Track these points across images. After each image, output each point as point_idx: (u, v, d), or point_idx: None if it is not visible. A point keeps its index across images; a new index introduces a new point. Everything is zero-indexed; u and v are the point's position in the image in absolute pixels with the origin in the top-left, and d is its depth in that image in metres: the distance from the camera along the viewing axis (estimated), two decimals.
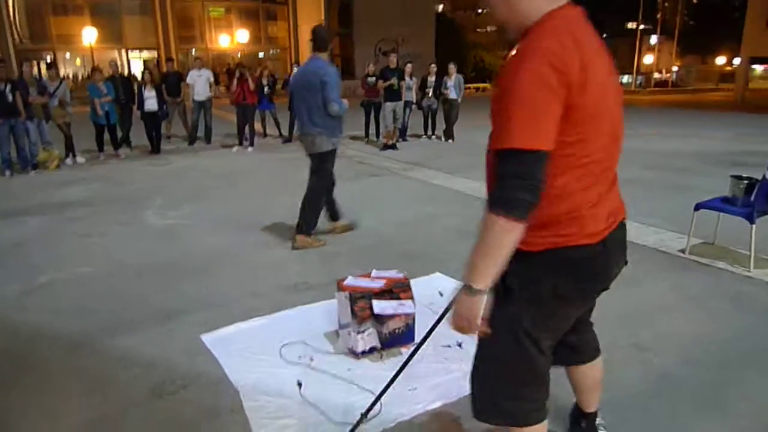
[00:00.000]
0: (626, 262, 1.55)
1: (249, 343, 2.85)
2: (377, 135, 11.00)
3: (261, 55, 31.16)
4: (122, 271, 3.96)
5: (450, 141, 10.90)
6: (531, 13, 1.34)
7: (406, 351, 2.72)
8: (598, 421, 1.97)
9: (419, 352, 2.68)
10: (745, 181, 3.76)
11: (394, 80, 9.51)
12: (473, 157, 9.08)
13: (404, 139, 10.78)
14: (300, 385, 2.44)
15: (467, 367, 1.95)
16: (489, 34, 75.92)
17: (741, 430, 2.15)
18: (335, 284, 3.57)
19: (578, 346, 1.78)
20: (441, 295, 3.40)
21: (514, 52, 1.33)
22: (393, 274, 2.87)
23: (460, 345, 2.79)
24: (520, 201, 1.24)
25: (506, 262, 1.32)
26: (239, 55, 27.83)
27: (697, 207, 4.01)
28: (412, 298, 2.74)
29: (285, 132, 11.03)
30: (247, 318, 3.14)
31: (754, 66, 34.00)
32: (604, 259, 1.45)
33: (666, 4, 65.54)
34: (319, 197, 4.54)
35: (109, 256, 4.31)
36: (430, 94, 10.78)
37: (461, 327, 1.42)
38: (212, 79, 10.76)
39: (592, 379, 1.86)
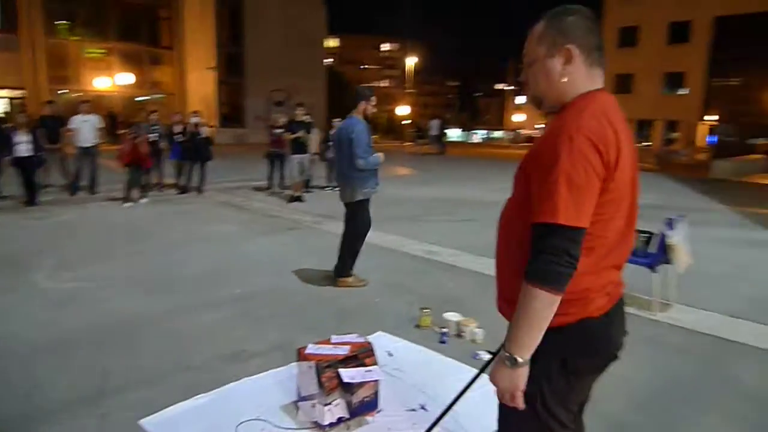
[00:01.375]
0: (626, 332, 1.65)
1: (198, 425, 2.58)
2: (282, 187, 10.86)
3: (142, 99, 29.68)
4: (16, 349, 3.41)
5: None
6: (570, 92, 1.44)
7: (371, 419, 2.64)
8: None
9: (388, 420, 2.63)
10: (646, 235, 4.26)
11: (301, 133, 9.53)
12: (380, 209, 9.31)
13: (308, 191, 10.76)
14: None
15: (439, 429, 1.93)
16: (374, 89, 79.65)
17: None
18: (278, 350, 3.43)
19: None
20: (390, 355, 3.37)
21: (549, 127, 1.41)
22: (353, 338, 2.80)
23: (423, 407, 2.77)
24: (563, 275, 1.30)
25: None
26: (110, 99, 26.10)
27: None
28: (376, 363, 2.69)
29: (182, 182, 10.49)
30: (188, 396, 2.84)
31: None
32: (608, 331, 1.52)
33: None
34: (356, 241, 4.79)
35: None
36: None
37: (508, 400, 1.42)
38: (99, 125, 9.98)
39: None
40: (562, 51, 1.44)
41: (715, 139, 29.94)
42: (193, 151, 10.02)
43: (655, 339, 3.78)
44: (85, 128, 9.60)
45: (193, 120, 10.10)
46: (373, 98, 4.61)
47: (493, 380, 1.43)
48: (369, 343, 2.76)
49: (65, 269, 5.15)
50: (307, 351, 2.63)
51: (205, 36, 28.63)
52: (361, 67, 79.85)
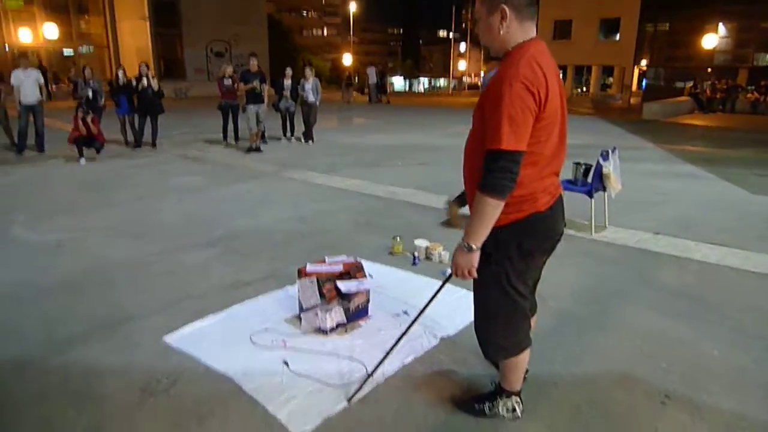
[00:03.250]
0: (565, 224, 2.15)
1: (216, 337, 2.98)
2: (236, 138, 10.92)
3: (70, 53, 27.84)
4: (21, 293, 3.64)
5: (310, 142, 11.27)
6: (509, 42, 1.87)
7: (364, 323, 3.12)
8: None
9: (377, 323, 3.13)
10: (584, 166, 4.87)
11: (256, 83, 9.57)
12: (339, 156, 9.70)
13: (264, 142, 10.87)
14: (286, 363, 2.70)
15: (420, 326, 2.40)
16: (315, 38, 77.31)
17: (619, 338, 3.00)
18: (271, 278, 3.84)
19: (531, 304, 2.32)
20: (371, 276, 3.83)
21: (497, 72, 1.84)
22: (344, 258, 3.24)
23: (406, 312, 3.28)
24: (505, 186, 1.78)
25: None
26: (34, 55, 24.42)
27: None
28: (365, 276, 3.15)
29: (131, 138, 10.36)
30: (198, 318, 3.22)
31: None
32: (551, 221, 2.01)
33: (471, 16, 73.33)
34: None
35: None
36: (289, 97, 11.04)
37: (462, 275, 1.93)
38: (42, 80, 9.61)
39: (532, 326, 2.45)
40: (498, 10, 1.82)
41: (645, 81, 31.51)
42: (147, 104, 9.86)
43: (592, 253, 4.45)
44: (28, 84, 9.24)
45: (143, 71, 9.87)
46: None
47: (455, 261, 1.94)
48: (359, 262, 3.21)
49: (41, 223, 5.26)
50: (308, 269, 3.05)
51: None
52: (303, 13, 76.96)
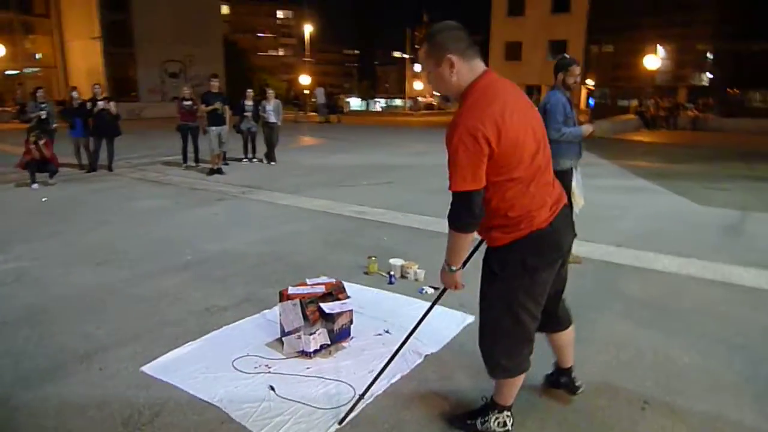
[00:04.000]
0: (575, 235, 2.21)
1: (196, 365, 2.90)
2: (196, 160, 10.73)
3: (14, 73, 26.75)
4: None
5: (273, 163, 11.20)
6: (462, 84, 1.96)
7: (347, 344, 3.12)
8: (573, 375, 2.57)
9: (360, 343, 3.13)
10: None
11: (218, 104, 9.47)
12: (303, 177, 9.67)
13: (226, 163, 10.72)
14: (273, 388, 2.66)
15: (403, 346, 2.48)
16: (271, 58, 77.24)
17: (596, 349, 3.10)
18: (246, 302, 3.79)
19: (559, 317, 2.40)
20: (349, 297, 3.83)
21: (454, 116, 1.93)
22: (325, 279, 3.24)
23: (388, 331, 3.29)
24: (464, 222, 1.94)
25: (476, 251, 2.13)
26: None
27: None
28: (348, 297, 3.15)
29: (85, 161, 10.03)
30: (176, 345, 3.13)
31: None
32: (555, 236, 2.06)
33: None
34: None
35: None
36: (250, 118, 10.97)
37: (453, 289, 2.16)
38: None
39: (567, 339, 2.49)
40: (445, 60, 1.92)
41: (593, 102, 32.96)
42: (103, 126, 9.59)
43: None
44: None
45: (96, 91, 9.61)
46: (574, 67, 4.44)
47: (442, 280, 2.16)
48: (340, 282, 3.21)
49: None
50: (290, 292, 3.03)
51: (85, 1, 26.16)
52: (258, 35, 76.77)
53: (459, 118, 1.88)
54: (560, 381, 2.58)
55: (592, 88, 33.58)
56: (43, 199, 7.52)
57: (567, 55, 4.81)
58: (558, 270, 2.16)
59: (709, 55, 28.85)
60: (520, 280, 2.04)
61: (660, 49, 29.09)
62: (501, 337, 2.12)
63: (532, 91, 40.56)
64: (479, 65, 1.97)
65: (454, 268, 2.07)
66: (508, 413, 2.28)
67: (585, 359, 3.00)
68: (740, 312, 3.72)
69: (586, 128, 4.64)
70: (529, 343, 2.17)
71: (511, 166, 1.91)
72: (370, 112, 54.39)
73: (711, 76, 28.86)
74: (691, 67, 29.71)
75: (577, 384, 2.54)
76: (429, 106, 56.68)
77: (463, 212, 1.90)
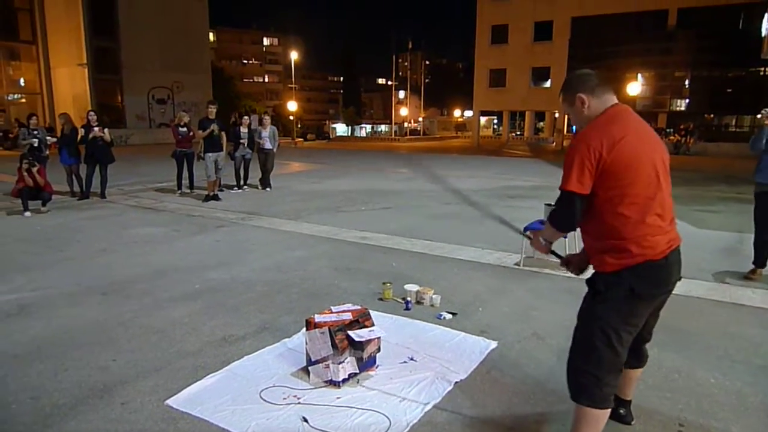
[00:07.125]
0: (680, 278, 2.19)
1: (223, 397, 2.84)
2: (191, 187, 10.66)
3: None
4: None
5: (268, 189, 11.16)
6: (593, 116, 2.16)
7: (374, 372, 3.08)
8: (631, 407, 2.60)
9: (387, 371, 3.10)
10: (551, 206, 5.09)
11: (214, 126, 9.46)
12: (301, 202, 9.65)
13: (221, 190, 10.67)
14: (305, 420, 2.61)
15: (431, 372, 2.46)
16: (257, 85, 77.71)
17: None
18: (265, 331, 3.73)
19: (641, 352, 2.43)
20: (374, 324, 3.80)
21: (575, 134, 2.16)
22: (350, 306, 3.21)
23: (413, 359, 3.26)
24: (562, 221, 2.15)
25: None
26: None
27: (525, 229, 5.23)
28: (374, 324, 3.12)
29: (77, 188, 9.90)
30: (198, 377, 3.06)
31: (481, 117, 42.10)
32: (665, 271, 2.09)
33: (407, 65, 76.45)
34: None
35: None
36: (246, 145, 10.96)
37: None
38: None
39: (636, 376, 2.53)
40: (576, 99, 2.19)
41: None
42: (97, 153, 9.50)
43: (573, 290, 4.59)
44: None
45: (91, 118, 9.55)
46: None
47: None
48: (366, 309, 3.19)
49: None
50: (317, 320, 2.99)
51: (72, 28, 26.16)
52: (244, 62, 77.30)
53: (581, 133, 2.10)
54: (619, 411, 2.56)
55: None
56: (37, 228, 7.37)
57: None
58: (657, 306, 2.24)
59: (686, 82, 29.75)
60: (622, 304, 2.07)
61: (639, 76, 29.96)
62: (592, 358, 2.11)
63: (516, 116, 41.12)
64: (610, 99, 2.17)
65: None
66: None
67: None
68: (753, 332, 3.78)
69: None
70: (617, 375, 2.15)
71: (624, 183, 2.00)
72: (355, 137, 54.80)
73: (688, 101, 29.71)
74: (670, 93, 30.57)
75: (632, 415, 2.59)
76: (413, 132, 57.32)
77: (565, 213, 2.08)
